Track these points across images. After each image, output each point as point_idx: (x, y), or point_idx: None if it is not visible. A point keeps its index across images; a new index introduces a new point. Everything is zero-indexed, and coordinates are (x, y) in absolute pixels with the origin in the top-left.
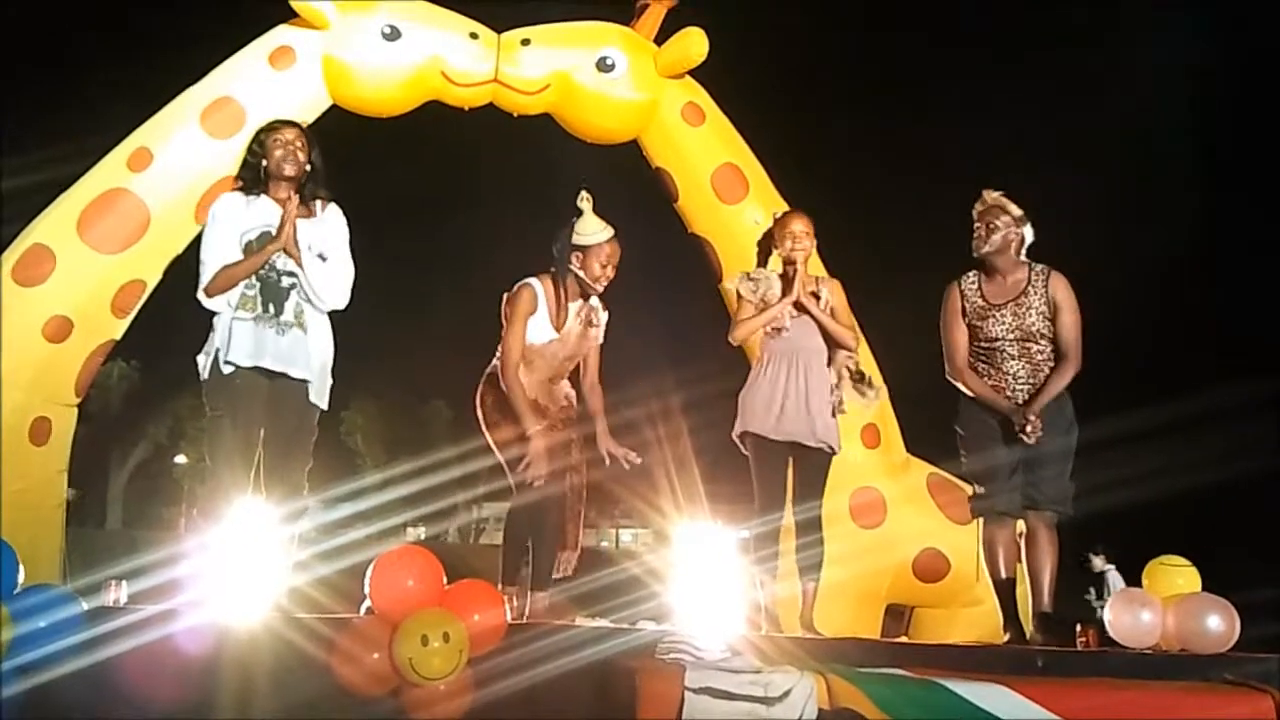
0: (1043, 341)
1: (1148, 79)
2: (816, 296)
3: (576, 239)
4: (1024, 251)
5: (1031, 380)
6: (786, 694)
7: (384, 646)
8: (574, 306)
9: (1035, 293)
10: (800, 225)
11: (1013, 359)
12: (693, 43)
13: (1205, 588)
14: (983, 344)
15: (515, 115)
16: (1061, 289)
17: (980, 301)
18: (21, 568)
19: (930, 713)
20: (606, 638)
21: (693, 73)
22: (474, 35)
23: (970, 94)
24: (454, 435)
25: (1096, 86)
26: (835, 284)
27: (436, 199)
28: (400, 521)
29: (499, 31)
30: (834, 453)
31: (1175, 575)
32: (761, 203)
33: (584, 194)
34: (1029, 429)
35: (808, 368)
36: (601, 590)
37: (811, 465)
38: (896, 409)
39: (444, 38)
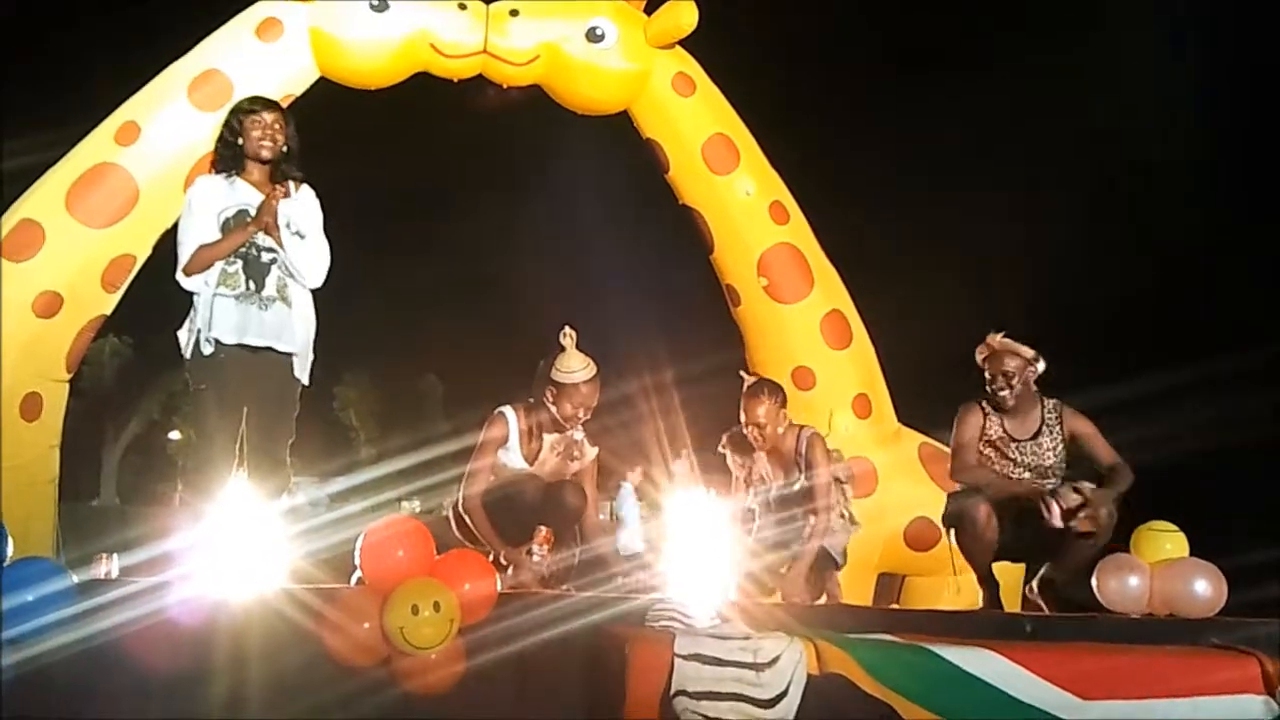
0: (1055, 477)
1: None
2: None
3: (554, 374)
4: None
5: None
6: (776, 660)
7: (375, 617)
8: (549, 439)
9: (1049, 432)
10: (763, 410)
11: None
12: (683, 12)
13: (1192, 553)
14: (996, 468)
15: (505, 86)
16: (1078, 422)
17: (1001, 432)
18: (10, 541)
19: (918, 677)
20: (597, 606)
21: (683, 43)
22: (462, 6)
23: (973, 74)
24: (447, 409)
25: (1101, 71)
26: (819, 437)
27: (430, 177)
28: (395, 496)
29: (488, 2)
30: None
31: (1163, 540)
32: (753, 173)
33: (567, 330)
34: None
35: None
36: (594, 560)
37: None
38: (889, 380)
39: (432, 9)
